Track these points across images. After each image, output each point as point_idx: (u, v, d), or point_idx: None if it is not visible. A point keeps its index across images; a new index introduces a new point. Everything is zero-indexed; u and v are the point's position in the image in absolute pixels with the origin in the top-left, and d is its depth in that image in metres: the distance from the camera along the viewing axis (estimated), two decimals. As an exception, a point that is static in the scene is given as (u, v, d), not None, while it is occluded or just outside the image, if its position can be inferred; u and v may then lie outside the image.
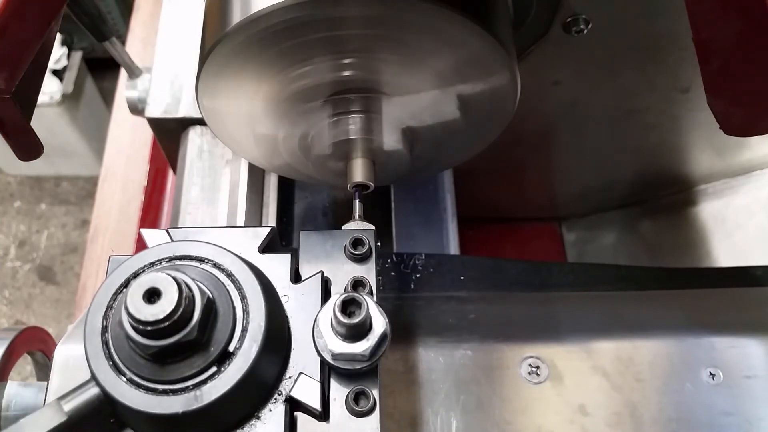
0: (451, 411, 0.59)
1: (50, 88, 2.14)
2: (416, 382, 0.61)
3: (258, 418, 0.45)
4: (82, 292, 1.11)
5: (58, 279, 2.43)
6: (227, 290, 0.45)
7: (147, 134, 1.17)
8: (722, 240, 1.10)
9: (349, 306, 0.45)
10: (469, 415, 0.59)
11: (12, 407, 0.59)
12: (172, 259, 0.47)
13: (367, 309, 0.45)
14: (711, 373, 0.61)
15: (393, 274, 0.73)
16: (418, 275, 0.73)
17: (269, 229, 0.52)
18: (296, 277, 0.51)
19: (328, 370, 0.48)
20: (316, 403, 0.46)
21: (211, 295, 0.44)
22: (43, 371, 0.68)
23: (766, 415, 0.60)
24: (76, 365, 0.46)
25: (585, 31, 0.72)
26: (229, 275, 0.46)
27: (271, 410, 0.45)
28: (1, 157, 2.47)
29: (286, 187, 0.92)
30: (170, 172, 1.13)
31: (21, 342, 0.62)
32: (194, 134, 0.85)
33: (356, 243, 0.54)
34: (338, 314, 0.44)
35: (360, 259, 0.54)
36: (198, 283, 0.43)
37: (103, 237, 1.16)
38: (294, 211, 0.95)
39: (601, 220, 1.29)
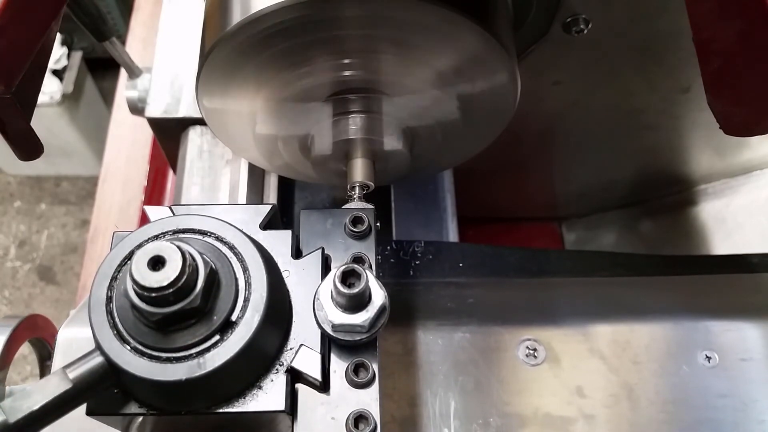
0: (450, 392, 0.60)
1: (50, 88, 2.14)
2: (415, 363, 0.61)
3: (260, 387, 0.46)
4: (82, 292, 1.11)
5: (58, 279, 2.42)
6: (230, 262, 0.46)
7: (147, 134, 1.17)
8: (722, 240, 1.10)
9: (348, 277, 0.46)
10: (468, 396, 0.60)
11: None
12: (175, 232, 0.48)
13: (367, 281, 0.46)
14: (707, 356, 0.62)
15: (392, 261, 0.73)
16: (417, 262, 0.74)
17: (270, 206, 0.53)
18: (297, 253, 0.52)
19: (329, 343, 0.49)
20: (316, 374, 0.47)
21: (213, 266, 0.44)
22: (44, 360, 0.69)
23: (761, 396, 0.61)
24: (79, 347, 0.47)
25: (585, 31, 0.72)
26: (232, 248, 0.47)
27: (272, 380, 0.46)
28: (1, 157, 2.47)
29: (286, 187, 0.92)
30: (170, 172, 1.13)
31: (23, 330, 0.63)
32: (194, 134, 0.85)
33: (356, 221, 0.55)
34: (338, 285, 0.45)
35: (360, 237, 0.54)
36: (201, 254, 0.44)
37: (103, 237, 1.17)
38: (294, 211, 0.95)
39: (601, 220, 1.29)
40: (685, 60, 0.79)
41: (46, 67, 0.54)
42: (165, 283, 0.40)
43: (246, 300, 0.45)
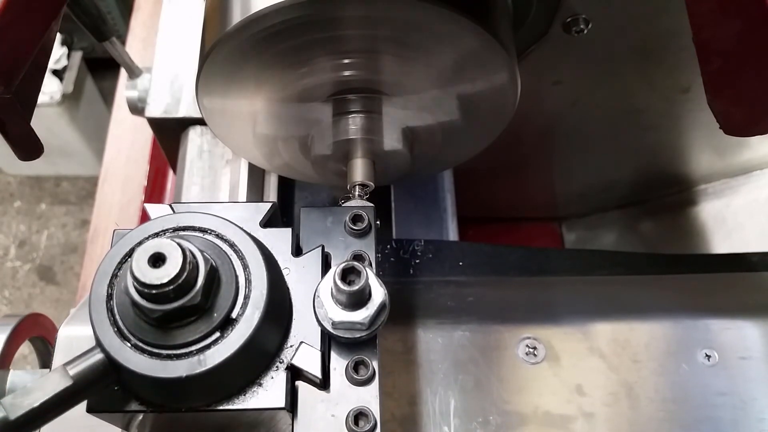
0: (450, 390, 0.60)
1: (50, 88, 2.14)
2: (415, 362, 0.62)
3: (260, 384, 0.46)
4: (82, 292, 1.11)
5: (58, 279, 2.43)
6: (230, 259, 0.46)
7: (147, 134, 1.18)
8: (722, 240, 1.10)
9: (348, 274, 0.46)
10: (468, 395, 0.60)
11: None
12: (175, 229, 0.48)
13: (367, 278, 0.46)
14: (706, 355, 0.63)
15: (392, 259, 0.73)
16: (417, 261, 0.73)
17: (270, 204, 0.53)
18: (297, 251, 0.52)
19: (329, 340, 0.49)
20: (316, 371, 0.47)
21: (214, 263, 0.45)
22: (44, 358, 0.69)
23: (760, 395, 0.61)
24: (79, 346, 0.47)
25: (585, 31, 0.72)
26: (232, 245, 0.47)
27: (272, 377, 0.46)
28: (1, 157, 2.47)
29: (286, 187, 0.92)
30: (170, 172, 1.13)
31: (24, 328, 0.63)
32: (194, 134, 0.85)
33: (356, 219, 0.55)
34: (338, 282, 0.45)
35: (359, 235, 0.55)
36: (202, 251, 0.44)
37: (103, 237, 1.17)
38: (294, 211, 0.95)
39: (601, 220, 1.29)
40: (685, 60, 0.79)
41: (46, 67, 0.54)
42: (165, 280, 0.40)
43: (246, 297, 0.45)
